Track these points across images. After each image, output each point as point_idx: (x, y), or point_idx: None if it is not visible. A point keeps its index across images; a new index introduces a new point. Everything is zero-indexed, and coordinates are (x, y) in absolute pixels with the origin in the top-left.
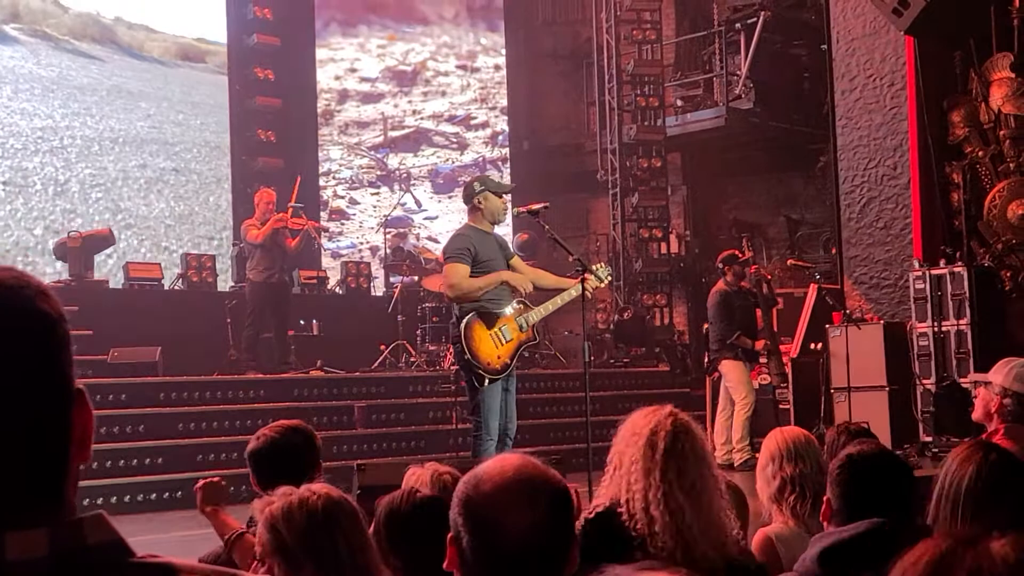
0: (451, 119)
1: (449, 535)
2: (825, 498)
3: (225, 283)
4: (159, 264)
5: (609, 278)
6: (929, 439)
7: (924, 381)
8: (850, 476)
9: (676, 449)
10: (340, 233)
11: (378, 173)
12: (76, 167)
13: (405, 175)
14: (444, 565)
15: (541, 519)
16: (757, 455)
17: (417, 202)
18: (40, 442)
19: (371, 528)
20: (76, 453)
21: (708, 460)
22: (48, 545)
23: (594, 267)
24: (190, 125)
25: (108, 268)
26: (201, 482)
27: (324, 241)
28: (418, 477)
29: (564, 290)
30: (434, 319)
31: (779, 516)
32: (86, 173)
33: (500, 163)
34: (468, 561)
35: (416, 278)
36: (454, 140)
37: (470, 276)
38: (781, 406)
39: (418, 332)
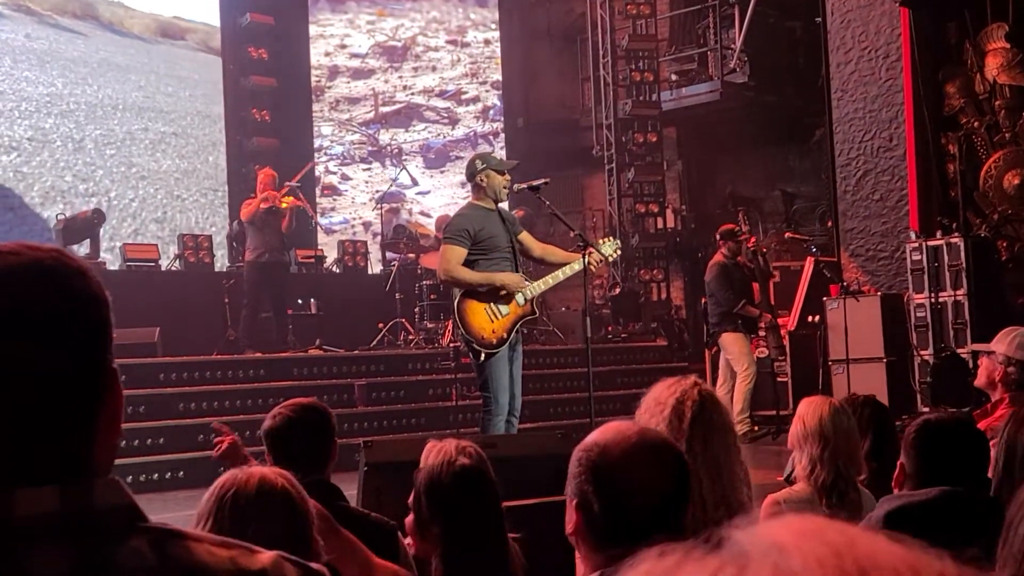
0: (442, 94)
1: (574, 501)
2: (899, 462)
3: (221, 263)
4: (156, 245)
5: (618, 251)
6: (927, 410)
7: (921, 352)
8: (926, 442)
9: (703, 418)
10: (332, 209)
11: (369, 149)
12: (87, 128)
13: (397, 150)
14: (567, 530)
15: (669, 482)
16: (756, 428)
17: (413, 179)
18: (68, 416)
19: (411, 497)
20: (106, 429)
21: (731, 431)
22: (58, 502)
23: (601, 241)
24: (180, 96)
25: (123, 232)
26: (217, 451)
27: (317, 217)
28: (439, 450)
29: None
30: (432, 297)
31: (801, 484)
32: (97, 133)
33: (492, 137)
34: (599, 526)
35: (412, 256)
36: (445, 115)
37: (469, 257)
38: (779, 379)
39: (416, 310)
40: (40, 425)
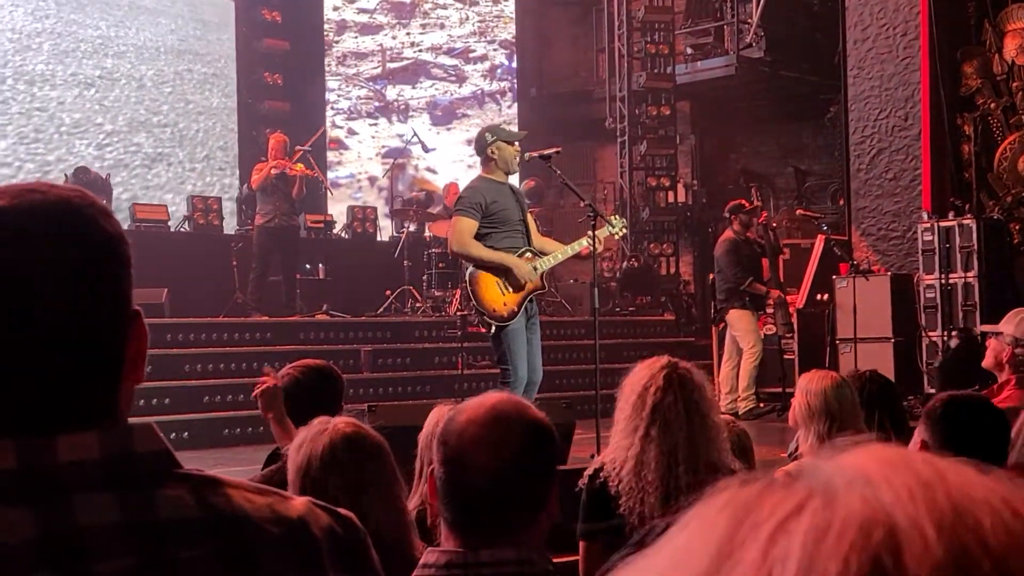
0: (450, 52)
1: (430, 468)
2: (920, 439)
3: (231, 226)
4: (165, 206)
5: (624, 230)
6: (933, 391)
7: (930, 333)
8: (953, 417)
9: (664, 403)
10: (339, 163)
11: (376, 104)
12: (141, 68)
13: (403, 107)
14: (429, 500)
15: (510, 455)
16: (762, 404)
17: (424, 146)
18: (96, 357)
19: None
20: (130, 371)
21: (702, 407)
22: (98, 448)
23: (609, 218)
24: (209, 40)
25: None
26: (258, 389)
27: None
28: (442, 415)
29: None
30: (440, 265)
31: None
32: (151, 73)
33: (499, 96)
34: (441, 495)
35: (414, 226)
36: (452, 73)
37: (481, 230)
38: (786, 356)
39: (424, 278)
40: (72, 369)
